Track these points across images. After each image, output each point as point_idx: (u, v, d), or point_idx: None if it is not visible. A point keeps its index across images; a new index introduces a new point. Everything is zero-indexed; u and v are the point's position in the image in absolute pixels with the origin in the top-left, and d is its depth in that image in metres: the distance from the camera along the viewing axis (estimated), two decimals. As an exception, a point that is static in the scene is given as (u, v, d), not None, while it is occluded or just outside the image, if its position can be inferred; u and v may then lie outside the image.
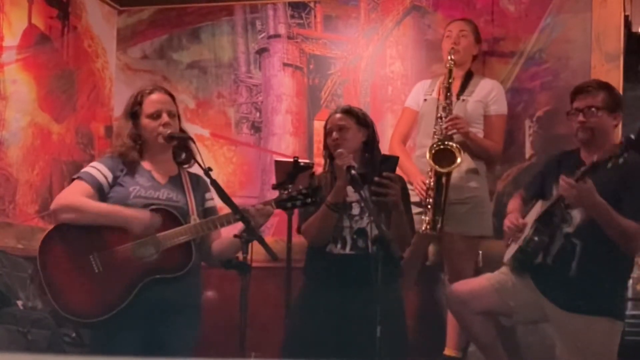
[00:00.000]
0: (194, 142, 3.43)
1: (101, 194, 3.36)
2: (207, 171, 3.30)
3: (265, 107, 5.23)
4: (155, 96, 3.45)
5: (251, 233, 3.28)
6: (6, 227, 4.42)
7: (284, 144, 5.18)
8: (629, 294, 4.73)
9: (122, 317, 3.25)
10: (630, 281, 4.12)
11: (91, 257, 3.27)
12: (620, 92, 4.42)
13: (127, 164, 3.40)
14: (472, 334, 3.77)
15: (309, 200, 3.42)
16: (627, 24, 4.77)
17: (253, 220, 3.30)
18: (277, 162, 4.68)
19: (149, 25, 5.43)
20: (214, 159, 5.18)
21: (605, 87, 3.60)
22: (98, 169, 3.38)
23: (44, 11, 4.80)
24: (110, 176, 3.38)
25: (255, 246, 3.31)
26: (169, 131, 3.39)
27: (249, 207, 3.37)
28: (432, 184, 4.20)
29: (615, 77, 4.53)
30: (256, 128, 5.23)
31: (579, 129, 3.57)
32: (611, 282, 3.49)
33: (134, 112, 3.44)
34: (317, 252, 3.62)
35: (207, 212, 3.53)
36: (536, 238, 3.52)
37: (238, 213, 3.31)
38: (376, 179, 3.36)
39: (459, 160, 4.15)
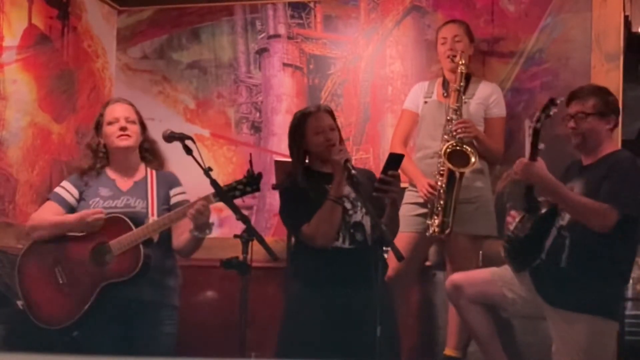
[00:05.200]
0: (194, 142, 3.44)
1: (71, 210, 3.67)
2: (207, 171, 3.32)
3: (265, 107, 5.23)
4: (115, 105, 3.73)
5: (251, 233, 3.29)
6: (6, 227, 4.42)
7: (284, 144, 5.14)
8: (629, 293, 4.73)
9: (90, 321, 3.52)
10: (630, 281, 4.12)
11: (56, 270, 3.59)
12: (620, 92, 4.43)
13: (88, 175, 3.70)
14: (468, 323, 3.80)
15: (248, 189, 3.46)
16: (627, 24, 4.77)
17: (196, 220, 3.44)
18: (277, 162, 4.68)
19: (149, 25, 5.42)
20: (214, 159, 5.18)
21: (597, 92, 3.66)
22: (65, 188, 3.72)
23: (44, 11, 4.80)
24: (76, 192, 3.69)
25: (255, 246, 3.32)
26: (123, 134, 3.63)
27: (187, 208, 3.47)
28: (443, 185, 4.21)
29: (615, 77, 4.53)
30: (256, 128, 5.23)
31: (571, 134, 3.67)
32: (602, 279, 3.49)
33: (97, 122, 3.73)
34: (312, 249, 3.56)
35: (173, 209, 3.65)
36: (520, 225, 3.57)
37: (238, 214, 3.33)
38: (382, 176, 3.38)
39: (473, 160, 4.17)
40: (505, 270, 3.71)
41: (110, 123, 3.66)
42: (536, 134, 3.50)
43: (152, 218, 3.58)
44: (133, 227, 3.53)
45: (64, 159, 4.90)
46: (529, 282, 3.61)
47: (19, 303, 3.96)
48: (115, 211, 3.59)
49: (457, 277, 3.82)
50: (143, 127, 3.75)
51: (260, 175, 3.46)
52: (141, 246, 3.51)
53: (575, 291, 3.48)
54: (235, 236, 3.37)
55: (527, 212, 3.60)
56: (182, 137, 3.46)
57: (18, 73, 4.58)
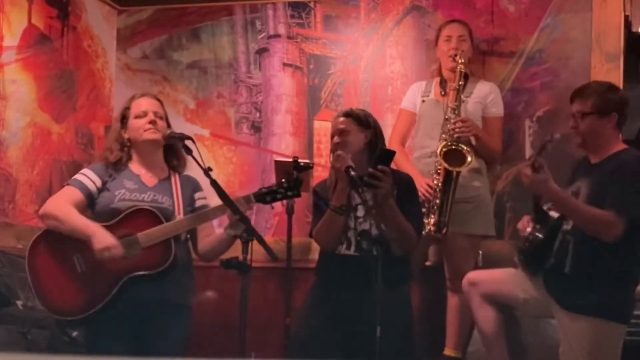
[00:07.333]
0: (194, 142, 3.44)
1: (90, 199, 3.53)
2: (207, 171, 3.32)
3: (265, 107, 5.23)
4: (142, 99, 3.62)
5: (251, 233, 3.29)
6: (6, 227, 4.42)
7: (284, 144, 5.17)
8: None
9: (107, 315, 3.37)
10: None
11: (75, 258, 3.42)
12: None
13: (114, 168, 3.55)
14: (477, 320, 3.81)
15: (289, 193, 3.47)
16: (627, 24, 4.76)
17: (233, 215, 3.37)
18: (277, 162, 4.68)
19: (148, 25, 5.42)
20: (214, 159, 5.18)
21: (598, 90, 3.61)
22: (87, 175, 3.55)
23: (44, 11, 4.80)
24: (99, 182, 3.54)
25: (255, 246, 3.32)
26: (152, 128, 3.52)
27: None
28: (439, 184, 4.21)
29: (615, 77, 4.53)
30: (256, 128, 5.23)
31: (572, 133, 3.65)
32: (606, 282, 3.49)
33: (123, 116, 3.61)
34: (327, 253, 3.67)
35: (196, 212, 3.59)
36: (531, 237, 3.56)
37: (238, 213, 3.33)
38: (370, 170, 3.37)
39: (469, 159, 4.17)
40: (519, 271, 3.71)
41: (137, 116, 3.55)
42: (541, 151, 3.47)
43: (179, 216, 3.49)
44: (163, 220, 3.42)
45: (64, 158, 4.90)
46: (541, 283, 3.62)
47: (19, 303, 3.97)
48: (142, 204, 3.47)
49: (473, 274, 3.85)
50: (168, 125, 3.64)
51: (301, 180, 3.48)
52: (172, 241, 3.42)
53: (580, 293, 3.48)
54: (235, 236, 3.38)
55: (537, 223, 3.58)
56: (182, 137, 3.47)
57: (18, 73, 4.58)
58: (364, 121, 3.66)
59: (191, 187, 3.65)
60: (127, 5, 5.44)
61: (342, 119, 3.65)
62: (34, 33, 4.72)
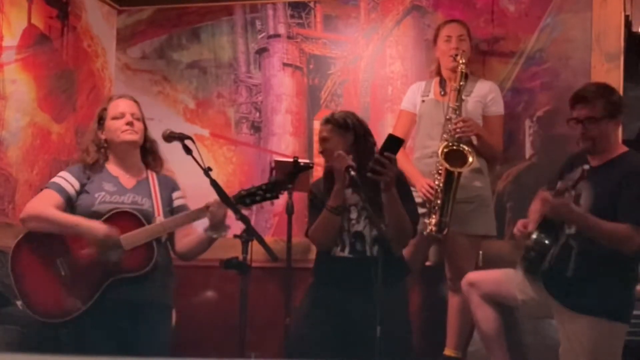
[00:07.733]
0: (194, 142, 3.44)
1: (69, 201, 3.54)
2: (207, 171, 3.32)
3: (265, 107, 5.23)
4: (120, 100, 3.65)
5: (251, 233, 3.29)
6: (6, 227, 4.42)
7: (284, 144, 5.17)
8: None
9: (90, 317, 3.40)
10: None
11: (58, 261, 3.45)
12: (621, 91, 4.42)
13: (91, 169, 3.57)
14: (477, 320, 3.82)
15: (268, 195, 3.47)
16: (627, 24, 4.76)
17: (214, 217, 3.42)
18: (277, 162, 4.68)
19: (148, 25, 5.42)
20: (214, 159, 5.17)
21: (604, 92, 3.57)
22: (65, 178, 3.57)
23: (44, 11, 4.80)
24: (77, 184, 3.56)
25: (255, 246, 3.32)
26: (130, 129, 3.55)
27: (210, 204, 3.45)
28: (440, 185, 4.21)
29: (615, 77, 4.53)
30: (256, 128, 5.23)
31: (580, 139, 3.60)
32: (608, 282, 3.49)
33: (100, 117, 3.63)
34: (323, 254, 3.69)
35: (175, 212, 3.63)
36: (537, 247, 3.54)
37: (238, 214, 3.33)
38: (377, 156, 3.38)
39: (470, 159, 4.17)
40: (518, 272, 3.71)
41: (115, 118, 3.58)
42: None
43: (159, 217, 3.52)
44: (145, 223, 3.45)
45: (64, 158, 4.89)
46: (540, 284, 3.61)
47: (19, 303, 3.96)
48: (123, 207, 3.50)
49: (473, 275, 3.86)
50: (145, 126, 3.68)
51: (279, 183, 3.48)
52: (154, 243, 3.45)
53: (581, 293, 3.48)
54: (235, 236, 3.38)
55: (542, 232, 3.56)
56: (181, 137, 3.47)
57: (17, 73, 4.58)
58: (342, 124, 3.67)
59: (169, 187, 3.68)
60: (127, 5, 5.43)
61: (322, 126, 3.70)
62: (33, 33, 4.71)
